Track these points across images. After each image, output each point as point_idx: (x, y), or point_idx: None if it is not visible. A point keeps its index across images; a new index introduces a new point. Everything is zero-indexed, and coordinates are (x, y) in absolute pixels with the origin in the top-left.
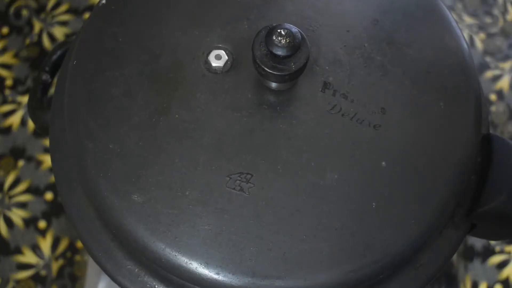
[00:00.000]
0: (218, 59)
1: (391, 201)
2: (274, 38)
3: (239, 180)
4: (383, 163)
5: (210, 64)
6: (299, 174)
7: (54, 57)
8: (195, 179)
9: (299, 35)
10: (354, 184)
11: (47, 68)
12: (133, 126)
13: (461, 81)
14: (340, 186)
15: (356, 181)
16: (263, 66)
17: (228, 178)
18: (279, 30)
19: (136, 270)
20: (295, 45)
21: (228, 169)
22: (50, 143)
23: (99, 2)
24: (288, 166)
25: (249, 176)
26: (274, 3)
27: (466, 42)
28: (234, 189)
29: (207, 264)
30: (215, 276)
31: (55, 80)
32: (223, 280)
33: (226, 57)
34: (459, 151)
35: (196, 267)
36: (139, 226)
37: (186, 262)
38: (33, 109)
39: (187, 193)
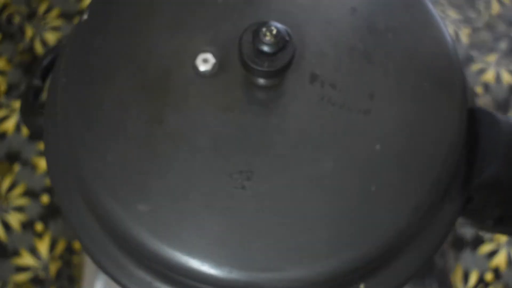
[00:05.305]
0: (205, 62)
1: (388, 183)
2: (261, 36)
3: (240, 178)
4: (377, 146)
5: (198, 68)
6: (297, 167)
7: (45, 62)
8: (197, 182)
9: (285, 31)
10: (351, 170)
11: (38, 74)
12: (129, 137)
13: (443, 62)
14: (337, 174)
15: (352, 167)
16: (251, 65)
17: (229, 178)
18: (264, 28)
19: (148, 278)
20: (282, 42)
21: (228, 169)
22: (46, 155)
23: (81, 17)
24: (285, 160)
25: (249, 173)
26: (255, 2)
27: (445, 26)
28: (236, 187)
29: (219, 265)
30: (229, 275)
31: (48, 82)
32: (236, 278)
33: (213, 60)
34: (448, 127)
35: (208, 269)
36: (148, 235)
37: (199, 265)
38: (25, 115)
39: (190, 196)
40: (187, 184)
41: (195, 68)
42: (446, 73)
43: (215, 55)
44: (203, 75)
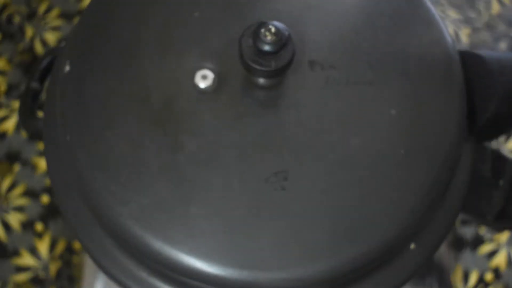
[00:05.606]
0: (204, 79)
1: (415, 141)
2: (262, 37)
3: (277, 180)
4: (392, 111)
5: (199, 86)
6: (327, 152)
7: (44, 63)
8: (237, 197)
9: (284, 28)
10: (378, 139)
11: (37, 76)
12: (157, 173)
13: (443, 61)
14: (367, 146)
15: (377, 135)
16: (256, 67)
17: (266, 183)
18: (263, 29)
19: (148, 277)
20: (284, 38)
21: (262, 174)
22: (46, 155)
23: (62, 69)
24: (314, 150)
25: (285, 173)
26: (232, 10)
27: (444, 25)
28: (275, 190)
29: (220, 265)
30: (229, 275)
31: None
32: (236, 278)
33: (212, 74)
34: (448, 126)
35: (210, 269)
36: (206, 263)
37: (201, 265)
38: (24, 117)
39: (236, 213)
40: (227, 202)
41: (196, 87)
42: (445, 71)
43: (212, 70)
44: (205, 91)
